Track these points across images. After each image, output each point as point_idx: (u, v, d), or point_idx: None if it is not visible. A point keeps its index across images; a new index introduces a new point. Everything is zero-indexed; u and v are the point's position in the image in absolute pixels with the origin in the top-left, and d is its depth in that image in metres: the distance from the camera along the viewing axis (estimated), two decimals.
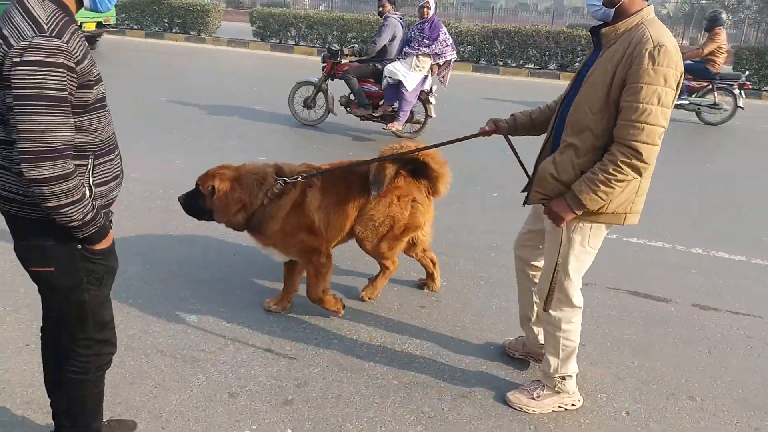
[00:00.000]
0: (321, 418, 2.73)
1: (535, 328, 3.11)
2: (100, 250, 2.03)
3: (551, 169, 2.50)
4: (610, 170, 2.31)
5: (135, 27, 20.14)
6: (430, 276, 3.96)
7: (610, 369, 3.26)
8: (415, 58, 7.60)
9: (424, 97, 7.88)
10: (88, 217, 1.91)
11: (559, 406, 2.88)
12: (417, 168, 3.51)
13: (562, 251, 2.57)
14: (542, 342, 2.99)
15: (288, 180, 3.28)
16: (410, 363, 3.19)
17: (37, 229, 1.96)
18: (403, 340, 3.39)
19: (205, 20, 19.14)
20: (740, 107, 10.04)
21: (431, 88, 7.93)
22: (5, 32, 1.77)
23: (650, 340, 3.57)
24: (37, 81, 1.73)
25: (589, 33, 2.57)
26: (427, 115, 8.01)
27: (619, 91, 2.30)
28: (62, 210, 1.85)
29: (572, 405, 2.90)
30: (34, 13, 1.77)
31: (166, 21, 19.69)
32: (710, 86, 10.05)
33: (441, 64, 7.90)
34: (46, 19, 1.77)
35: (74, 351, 2.16)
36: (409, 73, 7.55)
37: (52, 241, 1.97)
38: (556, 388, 2.86)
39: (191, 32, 19.51)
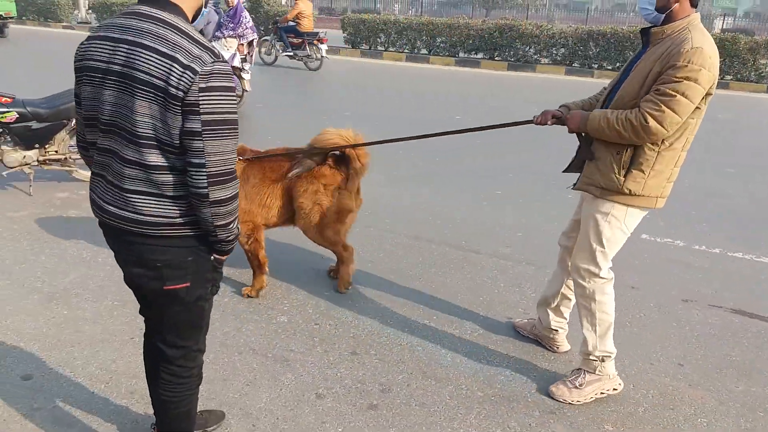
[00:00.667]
0: (405, 425, 2.74)
1: (551, 313, 3.29)
2: (225, 258, 2.13)
3: (596, 155, 2.74)
4: (618, 118, 2.55)
5: None
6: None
7: (711, 392, 3.07)
8: (223, 39, 9.03)
9: (237, 73, 9.15)
10: (237, 230, 2.02)
11: (601, 393, 2.95)
12: (341, 158, 3.72)
13: (600, 224, 2.77)
14: (554, 327, 3.29)
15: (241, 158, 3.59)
16: (496, 375, 3.14)
17: (180, 247, 1.96)
18: (488, 352, 3.34)
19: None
20: (325, 57, 14.48)
21: (243, 66, 9.30)
22: (179, 57, 1.73)
23: (757, 364, 3.33)
24: (223, 106, 1.79)
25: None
26: (243, 90, 9.42)
27: (652, 83, 2.52)
28: (229, 226, 1.95)
29: (613, 389, 2.97)
30: (196, 36, 1.80)
31: (262, 29, 20.46)
32: (303, 42, 14.27)
33: (244, 44, 9.34)
34: (208, 43, 1.83)
35: (184, 364, 2.22)
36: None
37: (192, 257, 1.99)
38: (597, 371, 2.93)
39: None
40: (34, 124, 5.23)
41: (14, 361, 3.05)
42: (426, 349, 3.33)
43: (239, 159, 3.61)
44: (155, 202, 1.87)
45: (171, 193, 1.88)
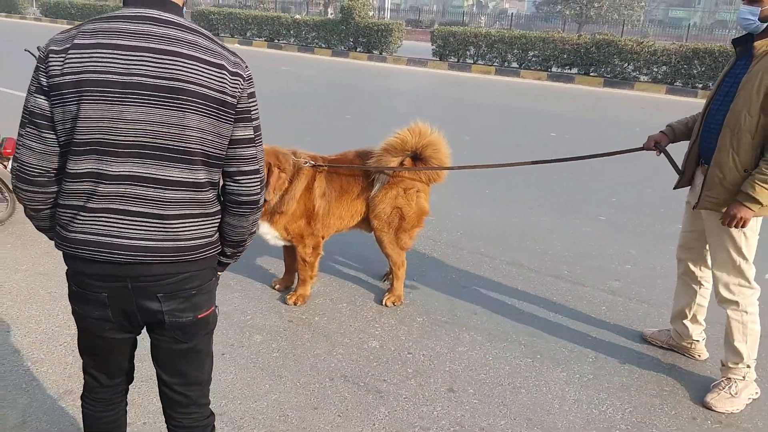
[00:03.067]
0: None
1: (690, 325, 3.29)
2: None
3: (718, 174, 2.77)
4: None
5: (323, 46, 21.40)
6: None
7: None
8: None
9: None
10: None
11: (749, 398, 3.02)
12: (420, 155, 3.61)
13: (736, 239, 2.83)
14: (695, 337, 3.32)
15: (315, 164, 3.52)
16: (610, 429, 2.81)
17: (207, 268, 1.82)
18: (600, 400, 3.01)
19: (387, 39, 19.80)
20: None
21: None
22: (225, 64, 1.64)
23: None
24: (258, 111, 1.77)
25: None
26: None
27: None
28: (252, 235, 1.93)
29: (756, 394, 3.05)
30: (216, 38, 1.71)
31: (351, 40, 20.68)
32: None
33: None
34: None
35: (203, 401, 2.05)
36: None
37: (213, 277, 1.87)
38: (746, 377, 3.00)
39: (374, 51, 20.28)
40: None
41: None
42: (530, 392, 3.04)
43: (311, 165, 3.53)
44: (200, 223, 1.73)
45: (212, 210, 1.76)
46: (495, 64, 18.30)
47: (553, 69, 17.44)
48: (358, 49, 20.66)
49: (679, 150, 3.16)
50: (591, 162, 7.23)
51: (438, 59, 19.24)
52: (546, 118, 10.90)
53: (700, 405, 3.00)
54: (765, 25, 2.65)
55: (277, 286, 3.96)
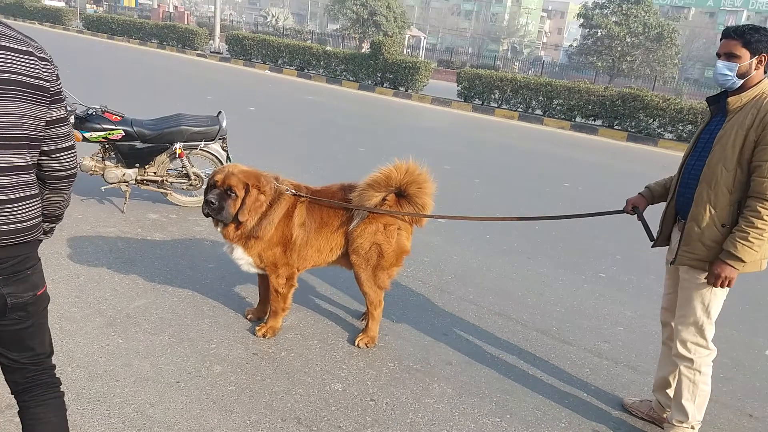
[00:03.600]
0: None
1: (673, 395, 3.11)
2: None
3: (696, 228, 2.74)
4: (758, 225, 2.57)
5: (351, 79, 21.63)
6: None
7: None
8: None
9: None
10: None
11: None
12: (402, 194, 3.51)
13: (705, 297, 2.79)
14: None
15: (297, 194, 3.45)
16: None
17: (34, 247, 1.94)
18: None
19: (414, 77, 19.95)
20: None
21: None
22: (30, 49, 1.78)
23: None
24: None
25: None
26: None
27: (751, 152, 2.60)
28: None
29: None
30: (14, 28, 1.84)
31: (379, 75, 20.88)
32: None
33: None
34: None
35: (53, 368, 2.14)
36: None
37: (36, 254, 1.96)
38: None
39: (400, 88, 20.42)
40: (138, 144, 5.33)
41: None
42: None
43: (293, 194, 3.47)
44: (32, 204, 1.86)
45: (37, 190, 1.90)
46: (519, 109, 18.27)
47: (577, 119, 17.35)
48: (384, 85, 20.84)
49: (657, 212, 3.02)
50: (599, 218, 7.08)
51: (463, 100, 19.28)
52: (564, 167, 10.76)
53: None
54: (741, 81, 2.67)
55: (249, 316, 3.84)
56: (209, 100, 13.25)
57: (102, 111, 5.25)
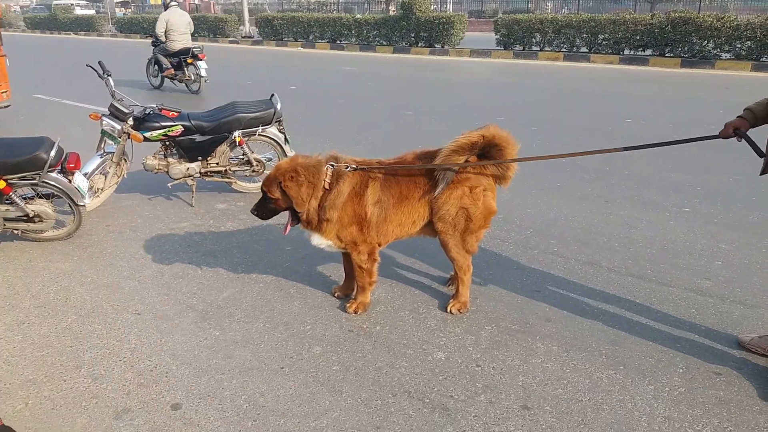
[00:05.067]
0: None
1: None
2: None
3: None
4: None
5: (384, 43, 21.25)
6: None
7: None
8: None
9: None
10: None
11: None
12: (485, 155, 3.36)
13: None
14: None
15: (356, 167, 3.34)
16: None
17: None
18: (694, 418, 2.67)
19: (449, 32, 19.43)
20: (204, 77, 11.81)
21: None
22: None
23: None
24: None
25: None
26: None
27: None
28: None
29: None
30: None
31: (413, 35, 20.43)
32: (180, 62, 11.98)
33: None
34: None
35: None
36: None
37: None
38: None
39: (436, 45, 19.95)
40: (198, 137, 5.34)
41: (166, 387, 2.95)
42: (613, 408, 2.74)
43: (353, 169, 3.35)
44: None
45: None
46: (563, 50, 17.60)
47: (626, 52, 16.58)
48: (419, 44, 20.39)
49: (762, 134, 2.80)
50: (670, 149, 6.76)
51: (502, 48, 18.70)
52: (620, 103, 10.30)
53: None
54: None
55: (337, 294, 3.81)
56: (249, 85, 13.26)
57: (159, 109, 5.26)
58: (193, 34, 12.42)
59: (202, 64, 11.71)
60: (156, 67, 12.55)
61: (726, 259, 4.20)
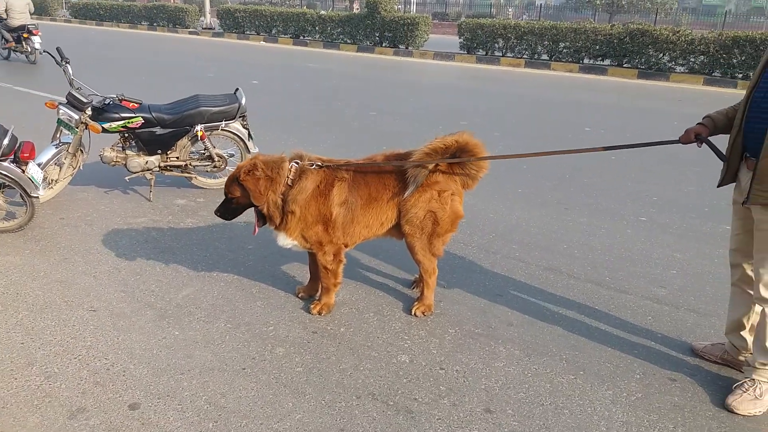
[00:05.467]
0: None
1: (748, 337, 3.05)
2: None
3: None
4: None
5: (348, 41, 21.19)
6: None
7: None
8: None
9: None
10: None
11: None
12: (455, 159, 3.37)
13: None
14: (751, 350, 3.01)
15: (321, 165, 3.35)
16: None
17: None
18: (652, 421, 2.75)
19: (414, 33, 19.51)
20: (39, 49, 13.70)
21: None
22: None
23: None
24: None
25: None
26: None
27: None
28: None
29: None
30: None
31: (377, 35, 20.43)
32: (19, 37, 14.12)
33: None
34: None
35: None
36: None
37: None
38: None
39: (400, 46, 20.01)
40: (158, 130, 5.21)
41: (123, 386, 2.86)
42: (574, 412, 2.80)
43: (317, 167, 3.36)
44: None
45: None
46: (525, 56, 17.89)
47: (585, 61, 16.97)
48: (384, 44, 20.41)
49: (719, 143, 2.91)
50: (627, 159, 6.95)
51: (466, 52, 18.89)
52: (579, 111, 10.54)
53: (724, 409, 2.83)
54: None
55: (301, 294, 3.77)
56: (210, 78, 13.02)
57: (119, 99, 5.11)
58: (153, 24, 12.36)
59: (36, 39, 13.95)
60: (3, 41, 14.65)
61: (681, 268, 4.34)
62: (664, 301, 3.85)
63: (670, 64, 15.56)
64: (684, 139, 3.02)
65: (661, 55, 15.54)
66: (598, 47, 16.48)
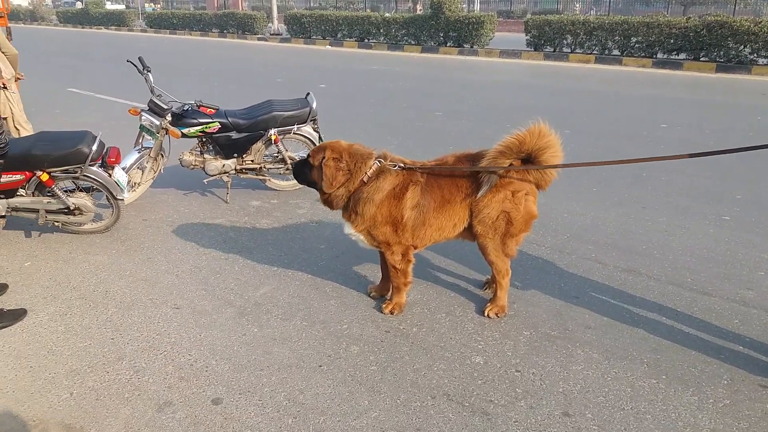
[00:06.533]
0: None
1: None
2: None
3: None
4: None
5: (413, 42, 21.22)
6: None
7: None
8: None
9: None
10: None
11: None
12: (532, 161, 3.31)
13: None
14: None
15: (402, 167, 3.34)
16: None
17: None
18: (741, 430, 2.62)
19: (479, 32, 19.33)
20: None
21: None
22: None
23: None
24: None
25: None
26: None
27: None
28: None
29: None
30: None
31: (441, 35, 20.37)
32: None
33: None
34: None
35: None
36: None
37: None
38: None
39: (465, 45, 19.87)
40: (234, 134, 5.38)
41: (206, 382, 2.98)
42: (656, 418, 2.70)
43: (400, 168, 3.37)
44: None
45: None
46: (595, 52, 17.40)
47: (659, 55, 16.33)
48: (448, 44, 20.33)
49: None
50: (707, 158, 6.62)
51: (533, 50, 18.55)
52: (655, 108, 10.15)
53: None
54: None
55: (373, 293, 3.81)
56: (279, 83, 13.34)
57: (197, 106, 5.32)
58: (222, 31, 12.52)
59: None
60: None
61: None
62: (752, 304, 3.66)
63: (751, 56, 14.75)
64: None
65: (742, 47, 14.75)
66: (672, 41, 15.82)
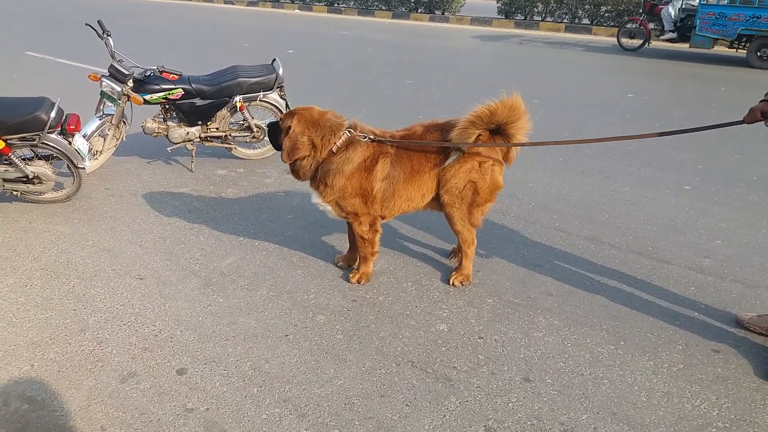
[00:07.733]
0: None
1: None
2: None
3: None
4: None
5: (383, 8, 20.91)
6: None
7: None
8: None
9: None
10: None
11: None
12: (501, 133, 3.33)
13: None
14: None
15: (373, 138, 3.30)
16: (705, 427, 2.54)
17: None
18: (694, 394, 2.73)
19: None
20: None
21: None
22: None
23: None
24: None
25: None
26: None
27: None
28: None
29: None
30: None
31: (413, 1, 20.11)
32: None
33: None
34: None
35: None
36: None
37: None
38: None
39: (436, 11, 19.67)
40: (198, 101, 5.26)
41: (171, 352, 2.97)
42: (614, 383, 2.79)
43: (371, 140, 3.31)
44: None
45: None
46: (565, 21, 17.39)
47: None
48: (419, 10, 20.10)
49: None
50: (671, 126, 6.73)
51: (503, 17, 18.46)
52: (622, 77, 10.24)
53: None
54: None
55: (340, 263, 3.82)
56: (246, 48, 13.05)
57: (159, 71, 5.18)
58: None
59: None
60: None
61: (726, 238, 4.24)
62: (708, 272, 3.77)
63: None
64: (749, 119, 2.87)
65: None
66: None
